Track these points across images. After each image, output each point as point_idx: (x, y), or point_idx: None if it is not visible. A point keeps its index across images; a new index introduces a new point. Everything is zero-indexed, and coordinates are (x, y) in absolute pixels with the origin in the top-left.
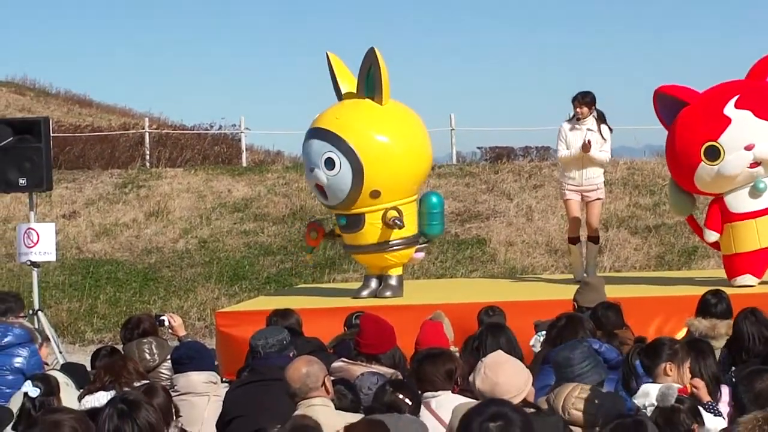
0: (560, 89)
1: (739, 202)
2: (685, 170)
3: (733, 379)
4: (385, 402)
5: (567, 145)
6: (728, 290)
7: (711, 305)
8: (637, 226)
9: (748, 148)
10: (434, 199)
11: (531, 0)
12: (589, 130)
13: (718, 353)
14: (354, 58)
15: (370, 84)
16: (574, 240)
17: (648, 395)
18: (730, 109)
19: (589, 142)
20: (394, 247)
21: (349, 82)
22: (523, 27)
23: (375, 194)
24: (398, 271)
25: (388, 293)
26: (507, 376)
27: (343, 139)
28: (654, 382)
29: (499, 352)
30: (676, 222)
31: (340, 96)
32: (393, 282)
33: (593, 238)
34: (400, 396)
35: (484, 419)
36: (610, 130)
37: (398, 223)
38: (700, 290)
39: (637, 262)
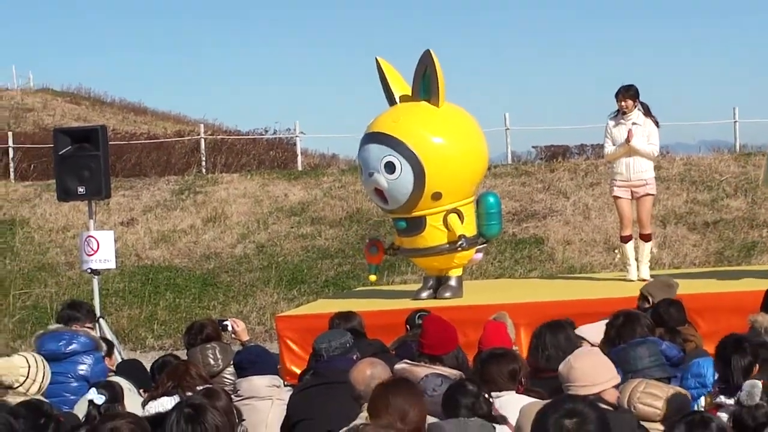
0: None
1: None
2: None
3: None
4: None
5: (613, 141)
6: None
7: None
8: (696, 222)
9: None
10: (491, 200)
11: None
12: (634, 123)
13: None
14: (404, 61)
15: (426, 86)
16: (626, 238)
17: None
18: None
19: (630, 131)
20: (450, 250)
21: (400, 87)
22: (578, 24)
23: (436, 196)
24: (458, 272)
25: (447, 294)
26: (584, 364)
27: (403, 142)
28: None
29: (595, 348)
30: (734, 217)
31: (391, 101)
32: (453, 283)
33: (644, 236)
34: (485, 395)
35: (559, 416)
36: (657, 123)
37: (464, 244)
38: (763, 285)
39: (696, 259)
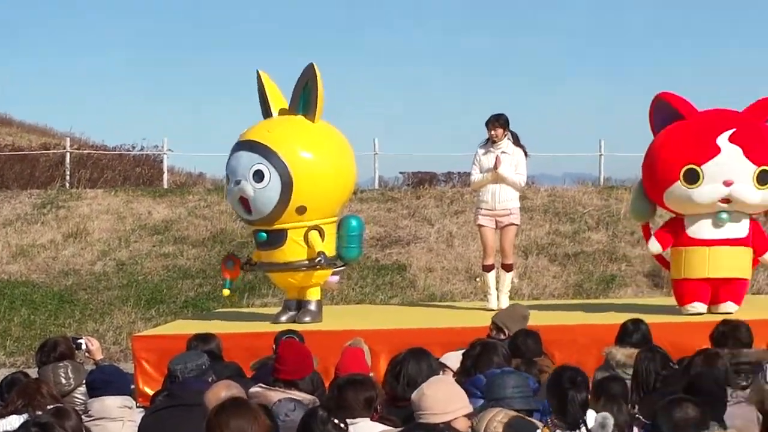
0: (484, 116)
1: (699, 227)
2: (660, 183)
3: (637, 414)
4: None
5: (480, 169)
6: (649, 317)
7: (629, 333)
8: (557, 253)
9: (727, 183)
10: (353, 223)
11: (453, 25)
12: (503, 152)
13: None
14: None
15: (305, 100)
16: (488, 267)
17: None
18: (723, 140)
19: (498, 158)
20: (313, 266)
21: (278, 101)
22: (448, 51)
23: (301, 210)
24: (317, 296)
25: (307, 318)
26: (436, 392)
27: (275, 151)
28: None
29: (447, 376)
30: (595, 250)
31: (267, 115)
32: (312, 307)
33: (506, 266)
34: (335, 421)
35: None
36: (526, 153)
37: (322, 262)
38: (620, 318)
39: (556, 290)
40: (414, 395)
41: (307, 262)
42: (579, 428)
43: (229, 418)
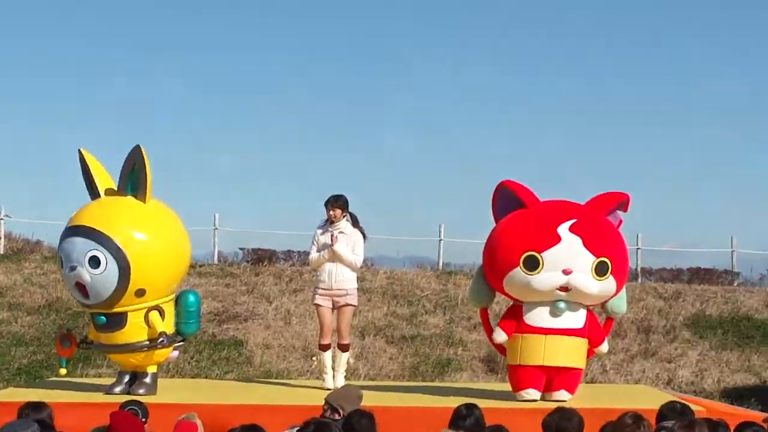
0: (327, 195)
1: (537, 315)
2: (500, 268)
3: None
4: None
5: (318, 248)
6: (482, 402)
7: (462, 417)
8: (394, 335)
9: (566, 272)
10: (191, 298)
11: (289, 101)
12: (341, 232)
13: None
14: (107, 154)
15: (133, 181)
16: (324, 347)
17: None
18: (563, 230)
19: (335, 236)
20: (150, 347)
21: (104, 179)
22: (292, 129)
23: (140, 293)
24: (153, 368)
25: (141, 390)
26: None
27: (110, 237)
28: None
29: None
30: (431, 333)
31: (93, 193)
32: (147, 380)
33: (342, 346)
34: None
35: None
36: (364, 235)
37: (165, 342)
38: (455, 402)
39: (392, 372)
40: None
41: (148, 342)
42: None
43: None
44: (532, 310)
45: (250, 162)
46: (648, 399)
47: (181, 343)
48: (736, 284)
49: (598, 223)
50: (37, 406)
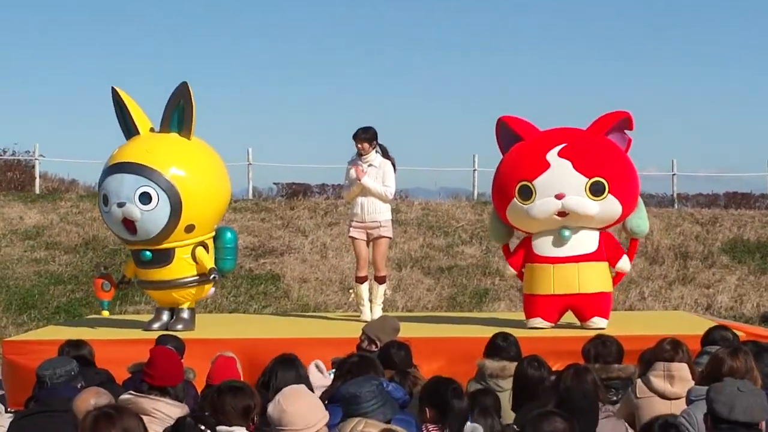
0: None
1: (544, 245)
2: (502, 203)
3: (514, 425)
4: None
5: (350, 182)
6: (519, 332)
7: (499, 348)
8: (431, 266)
9: (559, 196)
10: (229, 235)
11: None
12: (370, 165)
13: (504, 395)
14: (142, 92)
15: (179, 118)
16: (361, 279)
17: None
18: (552, 155)
19: (360, 168)
20: (195, 282)
21: (139, 117)
22: (321, 64)
23: (189, 228)
24: (191, 304)
25: (179, 326)
26: (297, 407)
27: (161, 173)
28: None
29: (301, 385)
30: (468, 264)
31: (129, 132)
32: (185, 315)
33: (379, 278)
34: (201, 428)
35: None
36: (394, 165)
37: (216, 277)
38: (491, 331)
39: (430, 303)
40: (273, 412)
41: (197, 277)
42: None
43: (103, 426)
44: (539, 241)
45: (283, 96)
46: (687, 325)
47: (218, 279)
48: None
49: (592, 143)
50: (77, 344)
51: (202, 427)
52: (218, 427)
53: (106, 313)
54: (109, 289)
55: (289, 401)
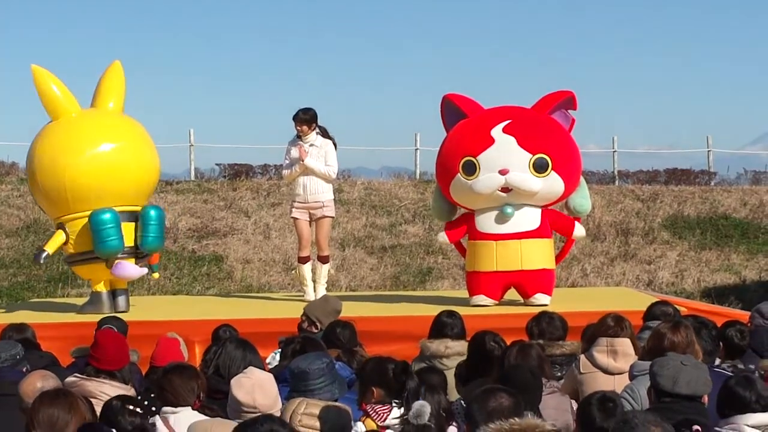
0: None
1: (486, 222)
2: (445, 179)
3: (461, 400)
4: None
5: (291, 163)
6: (463, 309)
7: (445, 325)
8: (374, 246)
9: (503, 172)
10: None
11: (276, 20)
12: (311, 145)
13: (449, 373)
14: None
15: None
16: (303, 259)
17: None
18: (497, 131)
19: (303, 149)
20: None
21: (64, 95)
22: (264, 46)
23: None
24: (123, 285)
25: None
26: (267, 393)
27: None
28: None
29: (254, 369)
30: (411, 243)
31: (53, 110)
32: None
33: (322, 258)
34: (131, 408)
35: None
36: (335, 144)
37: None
38: (435, 310)
39: (373, 282)
40: (242, 395)
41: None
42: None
43: (46, 407)
44: (482, 218)
45: (223, 78)
46: (629, 301)
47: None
48: (713, 184)
49: (536, 121)
50: (20, 328)
51: (131, 407)
52: (164, 408)
53: (156, 275)
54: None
55: (264, 391)
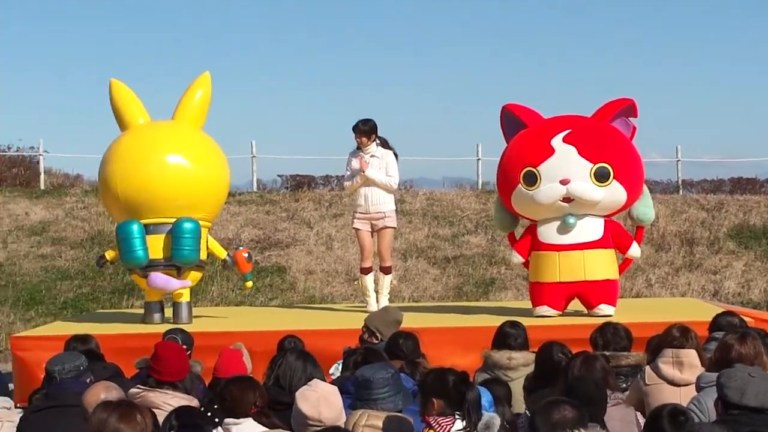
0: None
1: (549, 232)
2: (506, 190)
3: (527, 411)
4: None
5: (352, 174)
6: (527, 320)
7: (508, 336)
8: (436, 256)
9: (564, 182)
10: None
11: (328, 27)
12: (372, 156)
13: (514, 384)
14: (142, 82)
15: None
16: (366, 270)
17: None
18: (557, 141)
19: (364, 159)
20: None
21: (137, 109)
22: (325, 53)
23: None
24: (186, 297)
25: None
26: (333, 406)
27: None
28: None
29: (318, 381)
30: (474, 253)
31: (122, 123)
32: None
33: (384, 269)
34: (209, 414)
35: None
36: (396, 155)
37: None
38: (498, 321)
39: (436, 293)
40: (307, 409)
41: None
42: (475, 428)
43: (106, 418)
44: (544, 228)
45: (287, 88)
46: (695, 311)
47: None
48: None
49: (596, 130)
50: (84, 338)
51: (209, 414)
52: (226, 419)
53: (249, 284)
54: (250, 260)
55: (324, 401)
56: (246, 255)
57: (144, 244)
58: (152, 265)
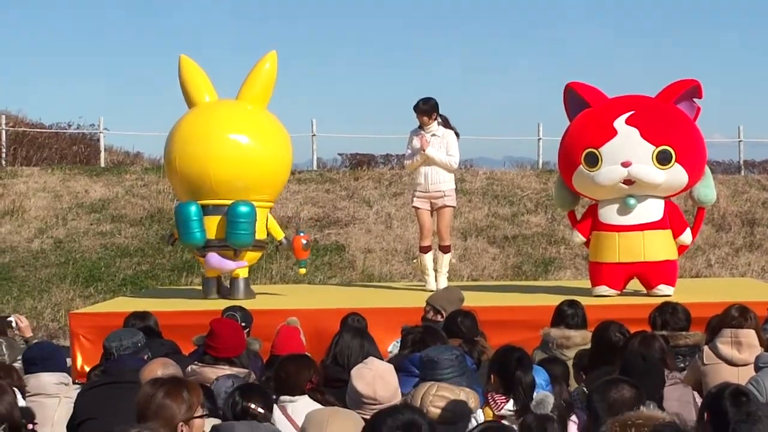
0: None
1: (609, 213)
2: (568, 170)
3: (585, 389)
4: (237, 412)
5: (413, 152)
6: (585, 299)
7: (566, 315)
8: (496, 235)
9: (625, 164)
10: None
11: (390, 4)
12: (433, 135)
13: (571, 363)
14: (207, 60)
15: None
16: (425, 249)
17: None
18: (620, 123)
19: (425, 138)
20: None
21: (205, 86)
22: (388, 32)
23: None
24: (245, 273)
25: (240, 295)
26: (389, 385)
27: None
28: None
29: (374, 359)
30: (533, 233)
31: (189, 100)
32: (242, 284)
33: (443, 247)
34: (252, 405)
35: (396, 425)
36: (457, 134)
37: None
38: (557, 300)
39: (495, 272)
40: (362, 388)
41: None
42: (527, 408)
43: (157, 396)
44: (605, 208)
45: (347, 67)
46: (754, 292)
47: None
48: None
49: (659, 112)
50: (143, 315)
51: (252, 405)
52: (282, 397)
53: (302, 271)
54: (308, 248)
55: (379, 383)
56: (304, 242)
57: (201, 225)
58: (209, 246)
